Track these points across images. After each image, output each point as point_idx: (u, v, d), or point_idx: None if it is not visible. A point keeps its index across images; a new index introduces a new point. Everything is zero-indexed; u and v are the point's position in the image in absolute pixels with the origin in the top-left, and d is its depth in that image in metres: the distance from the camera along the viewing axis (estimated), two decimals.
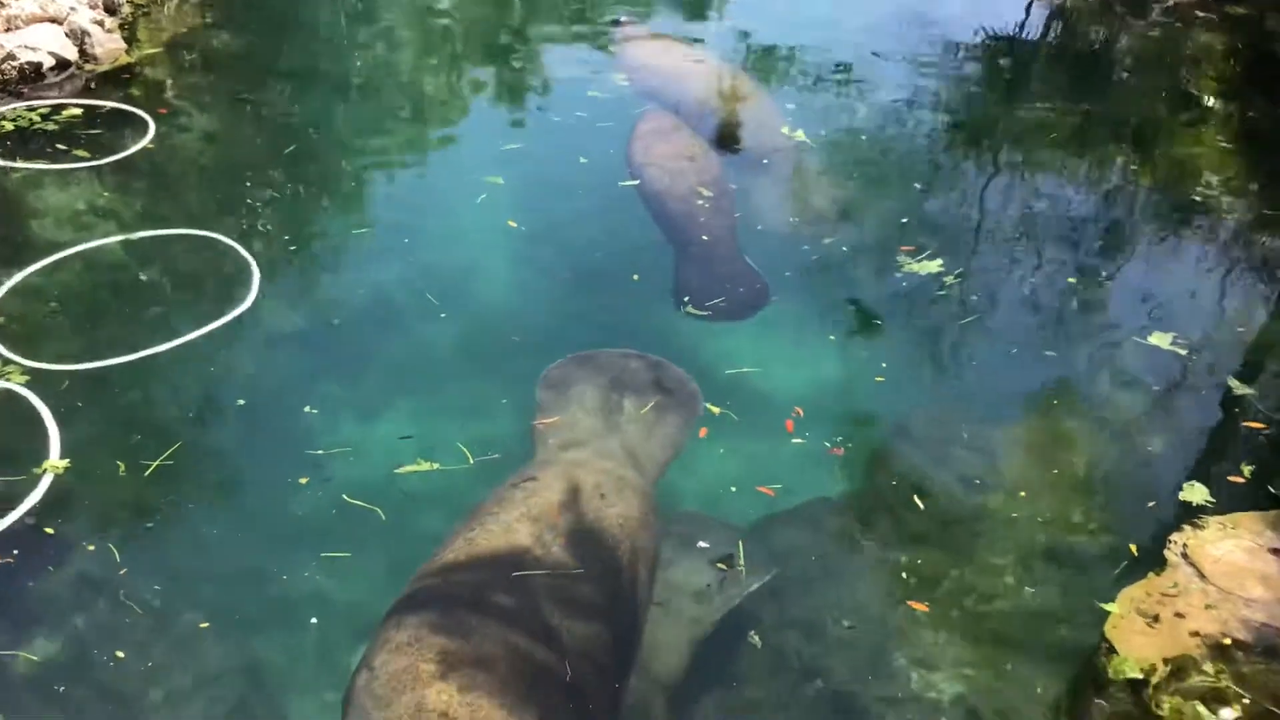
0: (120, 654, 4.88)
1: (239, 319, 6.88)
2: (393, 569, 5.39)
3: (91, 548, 5.32)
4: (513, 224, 7.96)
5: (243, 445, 6.07)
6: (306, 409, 6.19)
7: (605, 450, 5.66)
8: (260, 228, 7.84)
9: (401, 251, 7.68)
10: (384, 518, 5.52)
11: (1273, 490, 5.34)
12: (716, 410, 6.17)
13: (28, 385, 6.16)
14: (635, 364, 6.40)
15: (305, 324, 7.00)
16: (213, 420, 6.21)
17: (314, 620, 5.15)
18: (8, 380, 6.15)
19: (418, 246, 7.77)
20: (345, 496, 5.64)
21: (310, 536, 5.50)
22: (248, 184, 8.36)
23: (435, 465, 5.85)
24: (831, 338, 7.00)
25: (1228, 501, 5.46)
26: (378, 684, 4.21)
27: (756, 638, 5.07)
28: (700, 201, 8.14)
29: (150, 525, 5.53)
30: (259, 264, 7.31)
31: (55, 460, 5.70)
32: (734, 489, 5.80)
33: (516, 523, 4.96)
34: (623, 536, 5.04)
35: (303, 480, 5.73)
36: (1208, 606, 4.44)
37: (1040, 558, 5.42)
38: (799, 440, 6.07)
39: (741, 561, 5.32)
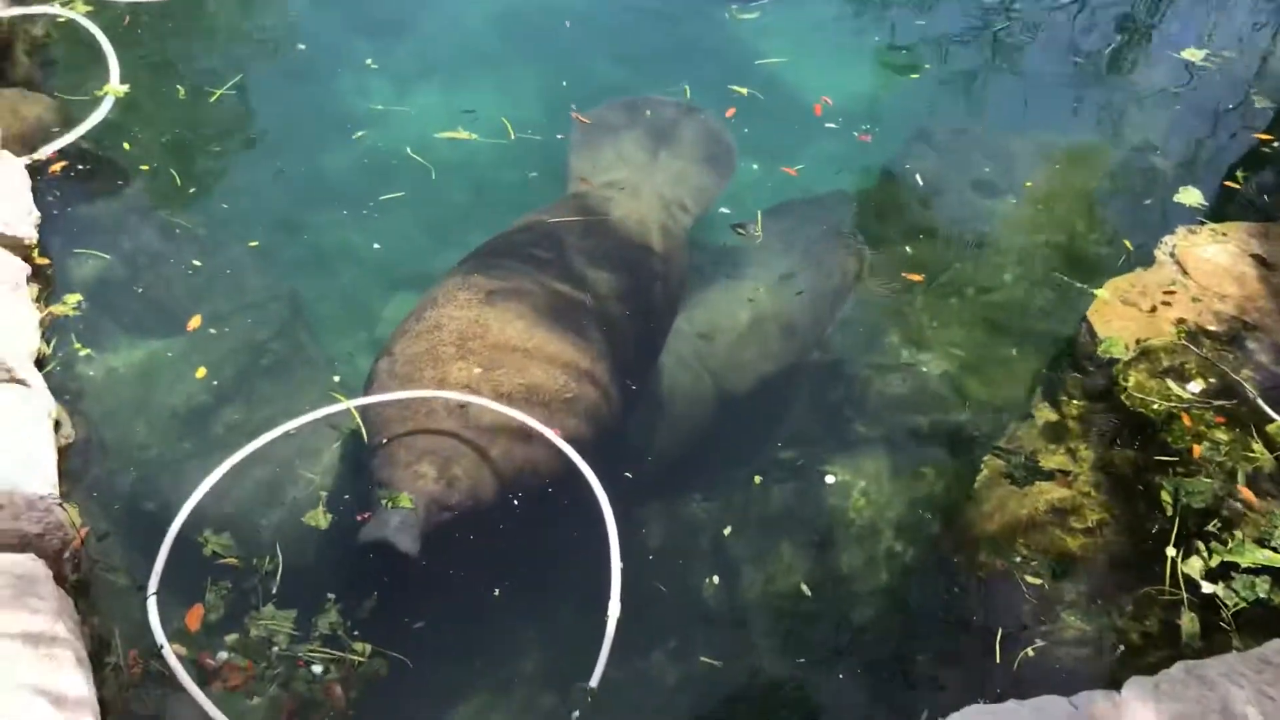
0: (173, 270, 5.18)
1: None
2: (432, 226, 5.67)
3: (146, 167, 5.55)
4: None
5: (303, 88, 6.21)
6: (368, 62, 6.31)
7: (636, 188, 5.62)
8: None
9: None
10: (434, 176, 5.74)
11: (1267, 199, 5.49)
12: (744, 91, 6.23)
13: (89, 16, 6.24)
14: (672, 112, 6.16)
15: None
16: (275, 60, 6.33)
17: (376, 245, 5.45)
18: (71, 9, 6.25)
19: None
20: (408, 149, 5.83)
21: (362, 185, 5.73)
22: None
23: (474, 136, 6.02)
24: (875, 38, 6.96)
25: (1220, 207, 5.57)
26: (399, 365, 4.34)
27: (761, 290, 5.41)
28: None
29: (211, 151, 5.77)
30: None
31: (115, 85, 5.84)
32: (755, 166, 5.95)
33: (542, 232, 5.12)
34: (649, 238, 5.24)
35: (359, 133, 5.92)
36: (1193, 299, 4.68)
37: (1041, 257, 5.60)
38: (831, 125, 6.15)
39: (759, 230, 5.58)
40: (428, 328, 4.42)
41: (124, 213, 5.41)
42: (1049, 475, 4.25)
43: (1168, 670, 2.53)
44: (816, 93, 6.29)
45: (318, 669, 3.76)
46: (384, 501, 3.89)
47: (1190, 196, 5.65)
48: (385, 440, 4.13)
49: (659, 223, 5.34)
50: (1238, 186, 5.69)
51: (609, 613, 3.83)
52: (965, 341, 5.22)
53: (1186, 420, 4.08)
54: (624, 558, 3.95)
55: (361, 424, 4.26)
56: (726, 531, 4.47)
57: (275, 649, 3.80)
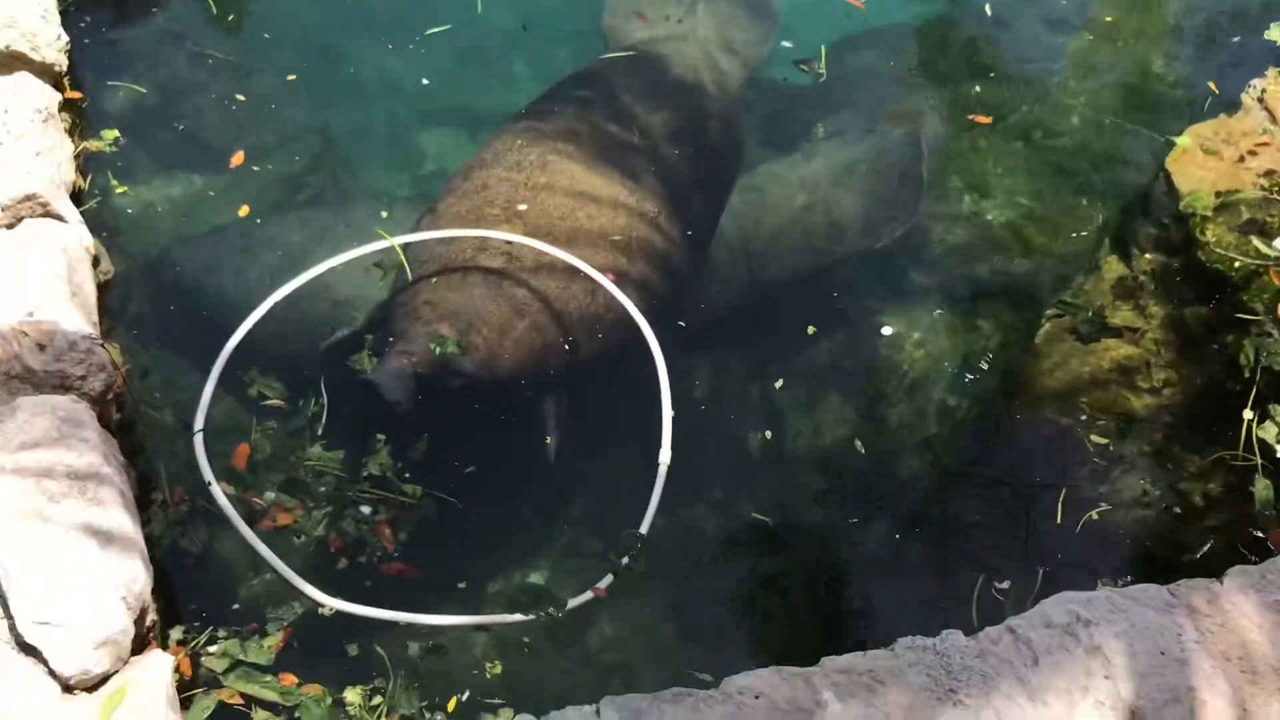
0: (211, 103, 4.96)
1: None
2: (477, 58, 5.40)
3: None
4: None
5: None
6: None
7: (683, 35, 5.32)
8: None
9: None
10: (480, 9, 5.42)
11: None
12: None
13: None
14: None
15: None
16: None
17: (426, 81, 5.23)
18: None
19: None
20: None
21: (403, 15, 5.43)
22: None
23: None
24: None
25: None
26: (442, 224, 4.18)
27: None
28: None
29: None
30: None
31: None
32: None
33: (594, 83, 4.86)
34: (704, 86, 4.99)
35: None
36: (1265, 144, 4.37)
37: (1114, 100, 5.26)
38: None
39: (823, 67, 5.27)
40: (475, 187, 4.25)
41: (158, 41, 5.16)
42: (1117, 332, 4.05)
43: (1274, 559, 2.38)
44: None
45: (366, 509, 3.72)
46: (434, 346, 3.78)
47: None
48: (413, 290, 3.99)
49: (711, 75, 5.10)
50: None
51: (660, 460, 3.70)
52: (1030, 189, 4.95)
53: (1275, 279, 3.83)
54: (674, 408, 3.80)
55: (406, 263, 4.11)
56: (778, 384, 4.33)
57: (323, 489, 3.75)
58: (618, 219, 4.20)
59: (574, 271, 3.99)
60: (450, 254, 4.04)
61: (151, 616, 3.13)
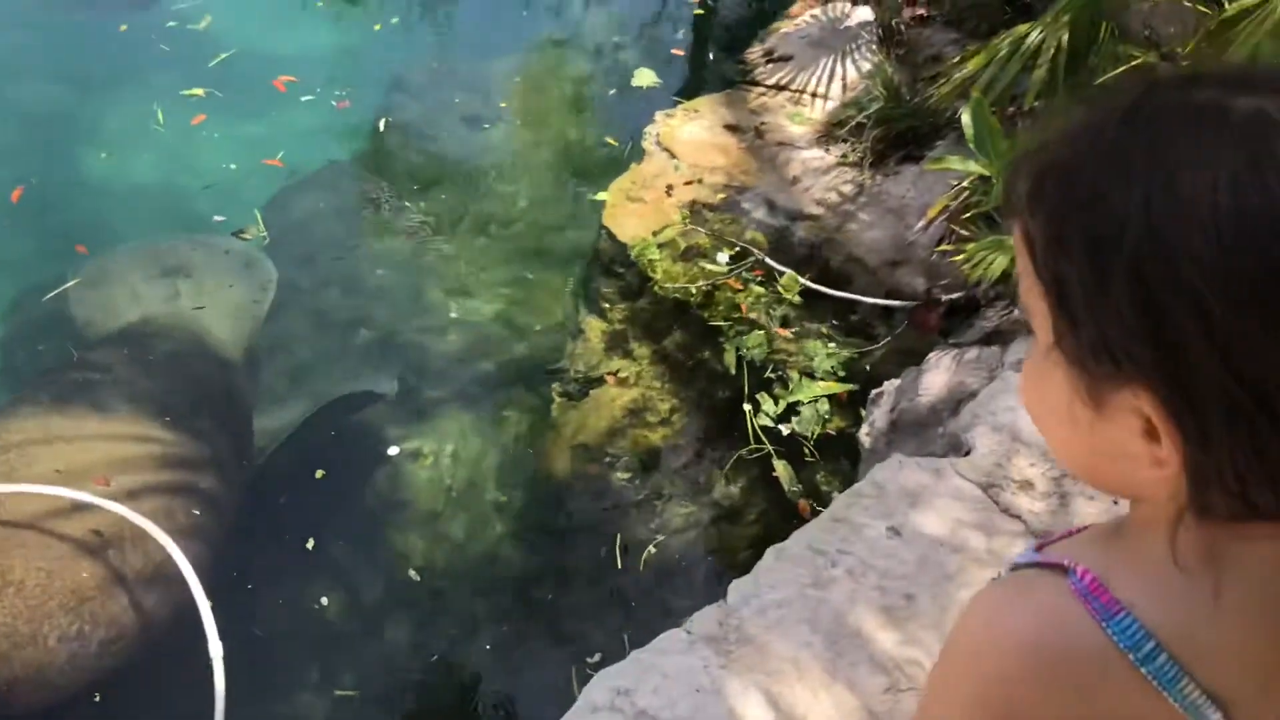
0: None
1: None
2: None
3: None
4: None
5: None
6: None
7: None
8: None
9: None
10: None
11: (710, 59, 5.76)
12: (201, 92, 5.60)
13: None
14: (186, 247, 5.19)
15: None
16: None
17: None
18: None
19: None
20: None
21: None
22: None
23: None
24: (319, 4, 6.56)
25: (675, 79, 5.82)
26: None
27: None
28: None
29: None
30: None
31: None
32: (234, 166, 5.39)
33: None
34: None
35: None
36: (685, 183, 4.82)
37: (547, 176, 5.59)
38: (308, 98, 5.70)
39: (262, 230, 5.10)
40: None
41: None
42: (600, 380, 4.25)
43: (760, 561, 2.52)
44: (278, 71, 5.80)
45: None
46: None
47: (644, 78, 5.78)
48: None
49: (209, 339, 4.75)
50: (682, 53, 5.88)
51: (212, 654, 3.29)
52: (504, 279, 5.09)
53: (736, 284, 4.20)
54: (224, 607, 3.45)
55: None
56: (310, 544, 4.07)
57: None
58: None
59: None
60: None
61: None
